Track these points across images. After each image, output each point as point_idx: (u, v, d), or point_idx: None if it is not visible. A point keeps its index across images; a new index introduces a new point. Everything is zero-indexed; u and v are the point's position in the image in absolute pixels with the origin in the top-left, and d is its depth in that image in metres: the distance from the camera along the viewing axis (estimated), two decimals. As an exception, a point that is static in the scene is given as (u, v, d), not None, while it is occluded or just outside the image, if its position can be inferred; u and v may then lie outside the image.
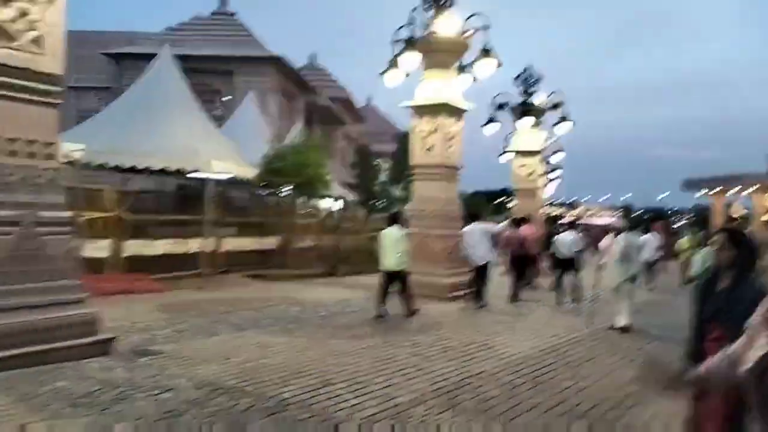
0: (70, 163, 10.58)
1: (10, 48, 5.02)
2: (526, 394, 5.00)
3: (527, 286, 11.80)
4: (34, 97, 5.25)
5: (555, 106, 16.04)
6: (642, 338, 7.68)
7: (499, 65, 10.67)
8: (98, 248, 10.57)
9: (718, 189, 27.28)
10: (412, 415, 4.32)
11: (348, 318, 8.47)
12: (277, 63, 26.28)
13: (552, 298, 10.51)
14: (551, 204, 40.49)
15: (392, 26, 10.69)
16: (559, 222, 18.30)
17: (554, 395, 4.99)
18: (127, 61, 24.58)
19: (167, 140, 11.67)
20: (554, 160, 21.06)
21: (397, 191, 26.91)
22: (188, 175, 12.81)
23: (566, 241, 10.78)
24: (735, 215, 30.07)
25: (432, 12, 10.65)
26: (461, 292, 10.26)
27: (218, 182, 12.61)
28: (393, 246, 8.49)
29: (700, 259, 9.90)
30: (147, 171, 13.28)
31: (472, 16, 10.65)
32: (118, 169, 12.69)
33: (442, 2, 10.62)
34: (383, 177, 29.25)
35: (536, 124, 16.32)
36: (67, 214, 5.60)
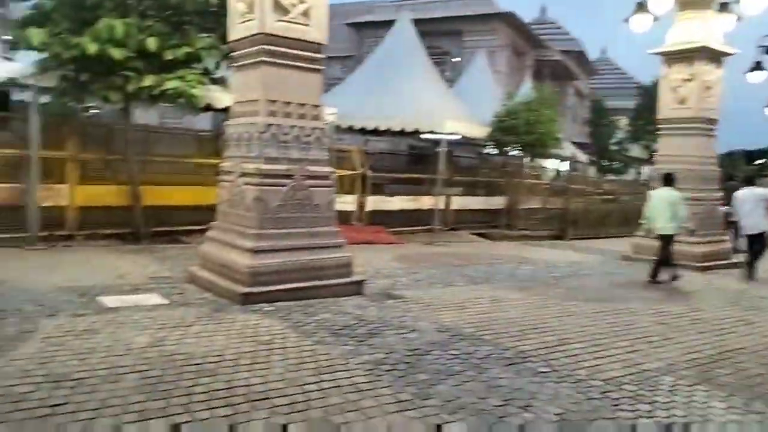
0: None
1: (285, 21, 5.73)
2: (800, 377, 4.38)
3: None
4: (304, 65, 5.94)
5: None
6: None
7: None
8: (345, 202, 11.71)
9: None
10: (660, 383, 4.08)
11: (581, 280, 8.22)
12: (506, 19, 25.75)
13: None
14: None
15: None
16: None
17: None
18: (366, 29, 26.24)
19: (405, 102, 12.29)
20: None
21: (635, 150, 24.87)
22: (421, 136, 13.38)
23: None
24: None
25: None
26: (715, 262, 9.27)
27: (448, 142, 12.96)
28: (665, 208, 8.05)
29: None
30: (384, 132, 14.19)
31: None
32: (361, 131, 13.76)
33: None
34: (619, 135, 27.18)
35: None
36: (329, 169, 6.29)
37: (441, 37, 25.22)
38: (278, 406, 3.28)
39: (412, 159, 16.62)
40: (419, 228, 12.97)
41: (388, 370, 3.97)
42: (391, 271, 7.96)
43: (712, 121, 10.04)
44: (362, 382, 3.72)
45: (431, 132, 12.01)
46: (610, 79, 42.16)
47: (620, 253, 10.74)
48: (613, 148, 26.80)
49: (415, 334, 4.91)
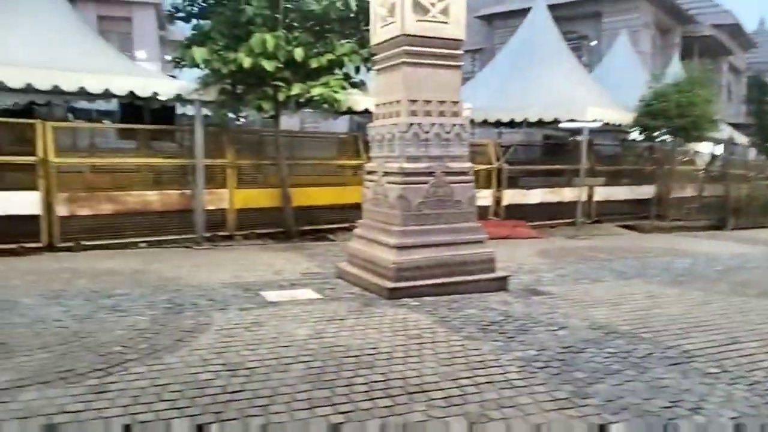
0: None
1: (425, 20, 5.81)
2: None
3: None
4: (443, 62, 6.00)
5: None
6: None
7: None
8: (482, 197, 11.62)
9: None
10: None
11: (751, 274, 7.49)
12: (650, -4, 24.04)
13: None
14: None
15: None
16: None
17: None
18: (497, 20, 25.79)
19: (543, 92, 11.94)
20: None
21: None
22: (559, 125, 12.90)
23: None
24: None
25: None
26: None
27: (589, 130, 12.38)
28: None
29: None
30: (519, 124, 13.85)
31: None
32: (495, 124, 13.57)
33: None
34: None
35: None
36: (469, 164, 6.30)
37: (577, 21, 24.14)
38: (435, 399, 3.36)
39: (548, 150, 16.09)
40: (559, 221, 12.56)
41: (542, 368, 3.90)
42: (533, 266, 7.79)
43: None
44: (516, 379, 3.70)
45: (571, 120, 11.54)
46: (771, 51, 37.76)
47: (794, 244, 9.65)
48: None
49: (566, 331, 4.77)
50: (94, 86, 8.01)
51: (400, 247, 5.89)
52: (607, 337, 4.62)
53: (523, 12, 16.23)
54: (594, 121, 11.34)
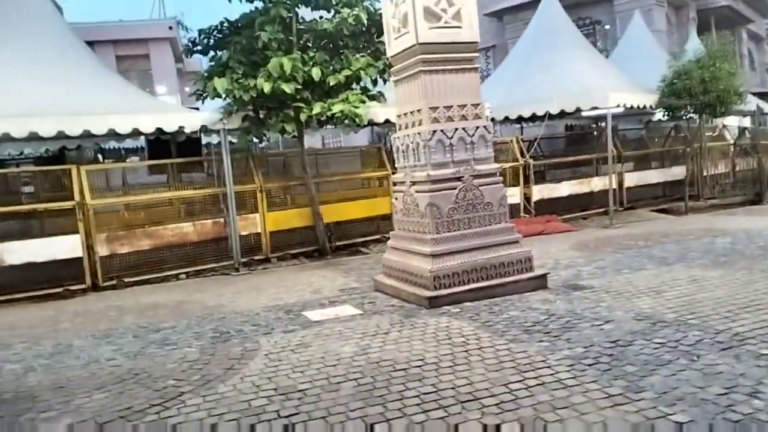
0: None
1: (439, 27, 5.86)
2: None
3: None
4: (460, 66, 6.04)
5: None
6: None
7: None
8: (510, 195, 11.54)
9: None
10: None
11: (795, 248, 7.30)
12: (661, -28, 23.61)
13: None
14: None
15: None
16: None
17: None
18: (506, 15, 25.66)
19: (563, 82, 11.83)
20: None
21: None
22: (583, 114, 12.77)
23: None
24: None
25: None
26: None
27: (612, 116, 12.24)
28: None
29: None
30: (541, 117, 13.74)
31: None
32: (517, 119, 13.49)
33: None
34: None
35: None
36: (496, 165, 6.30)
37: (589, 7, 23.84)
38: (487, 406, 3.37)
39: (571, 140, 15.93)
40: (592, 212, 12.41)
41: (591, 365, 3.88)
42: (571, 260, 7.72)
43: None
44: (567, 378, 3.68)
45: (594, 108, 11.41)
46: (794, 14, 36.67)
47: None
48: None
49: (611, 324, 4.73)
50: (123, 127, 8.24)
51: (435, 255, 5.91)
52: (654, 327, 4.56)
53: (533, 4, 16.13)
54: (617, 106, 11.20)
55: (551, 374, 3.77)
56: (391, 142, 7.33)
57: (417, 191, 6.20)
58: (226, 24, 9.13)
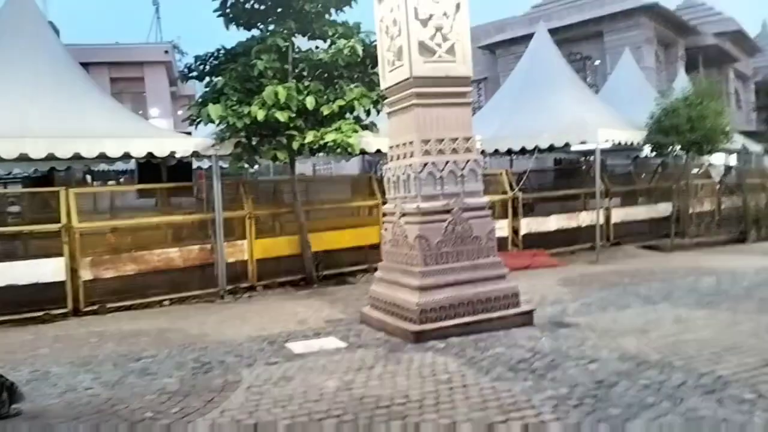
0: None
1: (433, 62, 5.95)
2: None
3: None
4: (453, 100, 6.11)
5: None
6: None
7: None
8: (499, 228, 11.56)
9: None
10: None
11: (779, 289, 7.35)
12: (649, 11, 24.23)
13: None
14: None
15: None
16: None
17: None
18: (499, 48, 26.15)
19: (553, 116, 11.96)
20: None
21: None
22: (572, 149, 12.91)
23: None
24: None
25: None
26: None
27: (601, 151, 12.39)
28: None
29: None
30: (531, 151, 13.88)
31: None
32: (507, 152, 13.61)
33: None
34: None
35: None
36: (486, 199, 6.34)
37: (580, 42, 24.41)
38: (470, 447, 3.33)
39: (560, 174, 16.07)
40: (579, 246, 12.45)
41: (576, 406, 3.86)
42: (557, 296, 7.72)
43: None
44: (551, 420, 3.65)
45: (583, 143, 11.55)
46: (777, 55, 37.62)
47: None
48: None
49: (596, 364, 4.71)
50: (114, 151, 8.21)
51: (423, 288, 5.89)
52: (638, 368, 4.55)
53: (525, 38, 16.47)
54: (606, 141, 11.33)
55: (535, 415, 3.74)
56: (382, 170, 7.35)
57: (406, 222, 6.21)
58: (222, 51, 9.22)
